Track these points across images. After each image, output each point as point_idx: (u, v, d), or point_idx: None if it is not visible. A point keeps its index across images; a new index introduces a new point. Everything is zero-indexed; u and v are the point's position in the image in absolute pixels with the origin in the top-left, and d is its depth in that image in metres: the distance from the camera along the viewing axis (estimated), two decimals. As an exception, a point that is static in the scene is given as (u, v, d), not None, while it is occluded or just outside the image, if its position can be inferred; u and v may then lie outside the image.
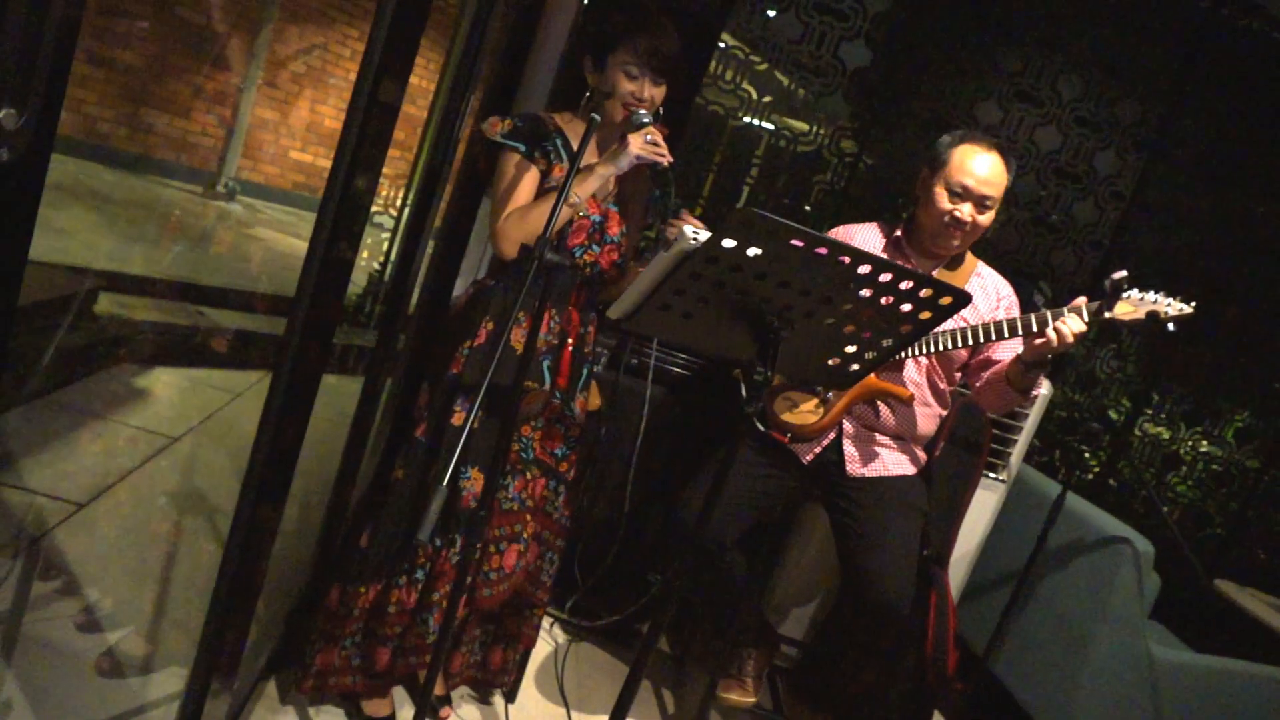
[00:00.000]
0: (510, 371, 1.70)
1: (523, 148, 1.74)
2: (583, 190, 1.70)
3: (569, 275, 1.80)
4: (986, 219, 1.98)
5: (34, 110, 0.42)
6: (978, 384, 2.06)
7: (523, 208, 1.72)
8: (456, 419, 1.75)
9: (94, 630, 1.90)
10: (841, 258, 1.23)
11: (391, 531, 1.77)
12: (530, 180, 1.74)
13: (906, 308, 1.31)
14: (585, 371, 1.90)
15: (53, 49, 0.42)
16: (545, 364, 1.80)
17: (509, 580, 1.85)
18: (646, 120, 1.68)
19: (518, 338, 1.76)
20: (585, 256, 1.79)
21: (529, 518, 1.87)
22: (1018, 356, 1.90)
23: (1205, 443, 3.42)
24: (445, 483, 1.18)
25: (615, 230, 1.82)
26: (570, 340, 1.84)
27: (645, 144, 1.66)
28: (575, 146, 1.78)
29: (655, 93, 1.74)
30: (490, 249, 2.11)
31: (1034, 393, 1.96)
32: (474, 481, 1.76)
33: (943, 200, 1.97)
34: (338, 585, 1.81)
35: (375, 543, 1.78)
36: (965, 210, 1.95)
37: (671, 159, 1.68)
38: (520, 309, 1.69)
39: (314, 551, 2.09)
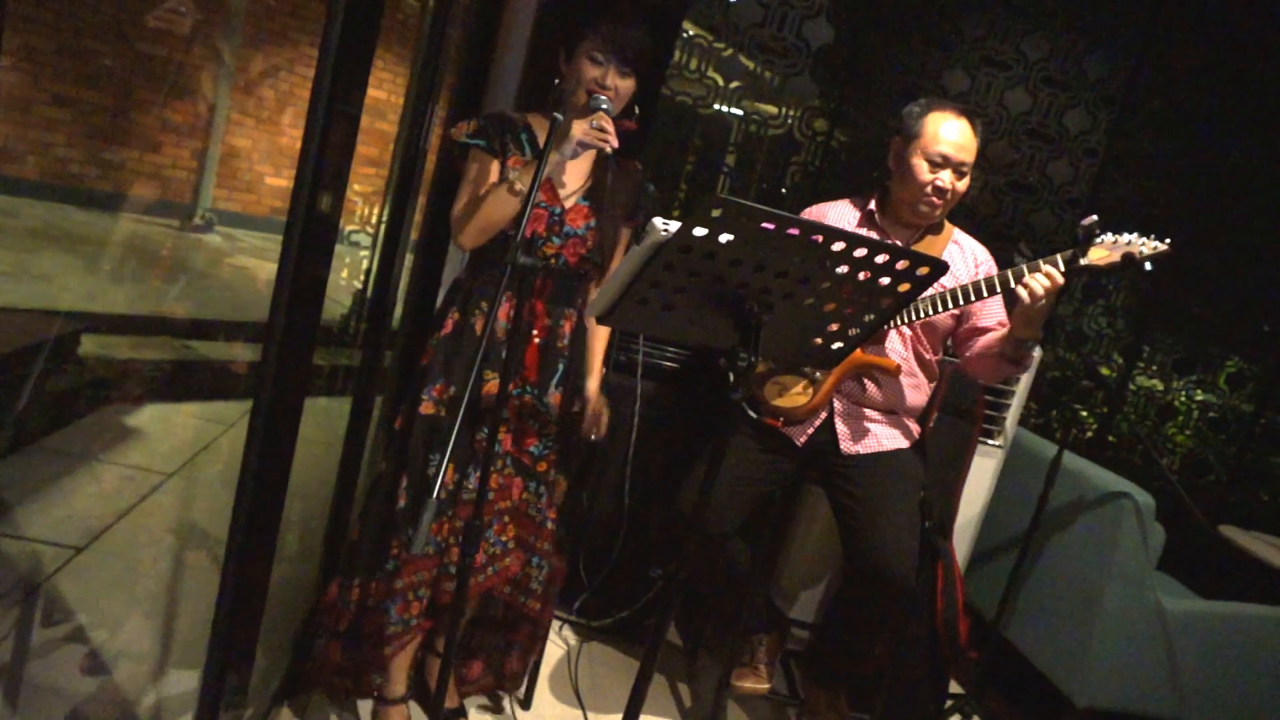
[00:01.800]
0: (470, 359, 1.75)
1: (484, 143, 1.76)
2: (524, 178, 1.69)
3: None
4: (964, 185, 2.01)
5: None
6: (967, 353, 2.05)
7: (470, 201, 1.75)
8: (425, 408, 1.78)
9: (101, 673, 1.89)
10: (814, 237, 1.22)
11: (376, 524, 1.81)
12: (490, 174, 1.77)
13: (885, 281, 1.31)
14: (561, 367, 1.85)
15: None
16: (503, 353, 1.78)
17: (475, 575, 1.81)
18: (604, 107, 1.69)
19: (479, 326, 1.77)
20: (545, 248, 1.77)
21: (508, 520, 1.83)
22: (1009, 331, 1.89)
23: (1200, 391, 3.42)
24: (435, 494, 1.16)
25: (580, 223, 1.79)
26: (536, 333, 1.81)
27: (590, 130, 1.66)
28: (541, 143, 1.78)
29: (621, 84, 1.73)
30: (466, 259, 2.10)
31: (1028, 362, 1.95)
32: (442, 471, 1.74)
33: (923, 171, 1.98)
34: (336, 579, 1.85)
35: (364, 536, 1.82)
36: (945, 178, 1.96)
37: (616, 144, 1.68)
38: (483, 298, 1.78)
39: (317, 573, 2.08)
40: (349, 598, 1.81)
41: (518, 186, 1.68)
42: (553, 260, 1.79)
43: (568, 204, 1.80)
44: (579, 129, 1.67)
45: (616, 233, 1.87)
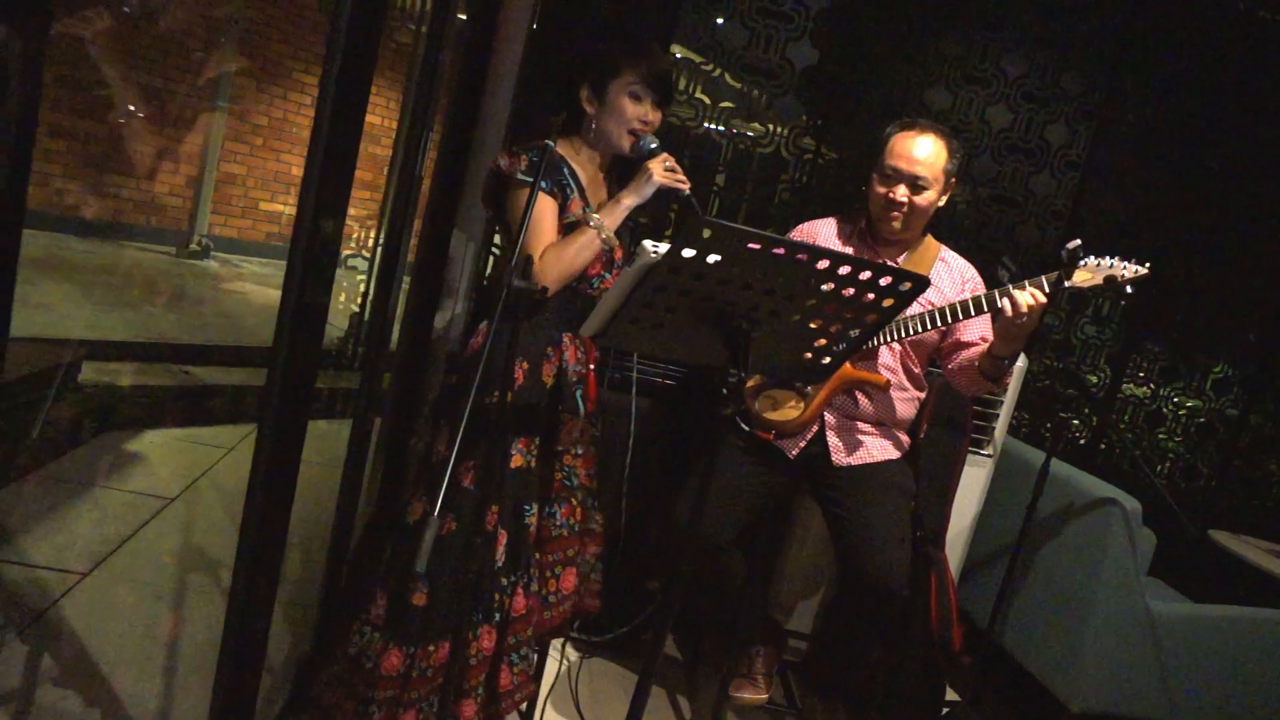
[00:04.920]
0: (546, 406, 1.78)
1: (545, 184, 1.73)
2: (611, 222, 1.74)
3: (585, 304, 1.82)
4: (924, 199, 2.03)
5: None
6: (950, 366, 2.10)
7: (556, 246, 1.73)
8: (515, 462, 1.76)
9: (109, 698, 1.92)
10: (799, 255, 1.26)
11: (454, 585, 1.72)
12: (552, 213, 1.75)
13: (869, 297, 1.35)
14: (601, 391, 1.98)
15: (13, 143, 0.46)
16: (578, 393, 1.84)
17: (569, 600, 1.90)
18: (654, 145, 1.73)
19: (548, 373, 1.80)
20: (601, 285, 1.83)
21: (586, 541, 1.93)
22: (989, 347, 1.94)
23: (1189, 400, 3.47)
24: (436, 513, 1.19)
25: (620, 254, 1.87)
26: (593, 366, 1.90)
27: (665, 171, 1.71)
28: (580, 175, 1.82)
29: (656, 117, 1.79)
30: (464, 282, 2.14)
31: (1005, 380, 1.99)
32: (534, 517, 1.80)
33: (877, 185, 2.05)
34: (398, 649, 1.72)
35: (435, 600, 1.72)
36: (900, 192, 2.02)
37: (690, 184, 1.73)
38: (548, 344, 1.79)
39: (319, 594, 2.11)
40: (426, 664, 1.72)
41: (605, 235, 1.73)
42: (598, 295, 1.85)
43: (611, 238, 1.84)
44: (658, 173, 1.71)
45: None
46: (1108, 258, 1.85)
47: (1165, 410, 3.46)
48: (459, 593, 1.71)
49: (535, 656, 1.86)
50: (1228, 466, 3.47)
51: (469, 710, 1.77)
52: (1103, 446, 3.50)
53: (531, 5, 2.42)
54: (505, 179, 1.76)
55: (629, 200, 1.74)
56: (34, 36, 0.47)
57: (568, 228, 1.77)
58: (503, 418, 1.71)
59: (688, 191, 1.73)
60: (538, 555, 1.84)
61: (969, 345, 2.07)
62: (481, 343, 1.80)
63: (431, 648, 1.73)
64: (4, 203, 0.44)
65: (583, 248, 1.72)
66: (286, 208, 7.44)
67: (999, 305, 1.85)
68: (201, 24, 6.49)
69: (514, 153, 1.75)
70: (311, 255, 1.32)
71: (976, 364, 1.97)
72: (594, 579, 2.01)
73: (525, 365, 1.78)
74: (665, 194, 1.75)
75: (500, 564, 1.75)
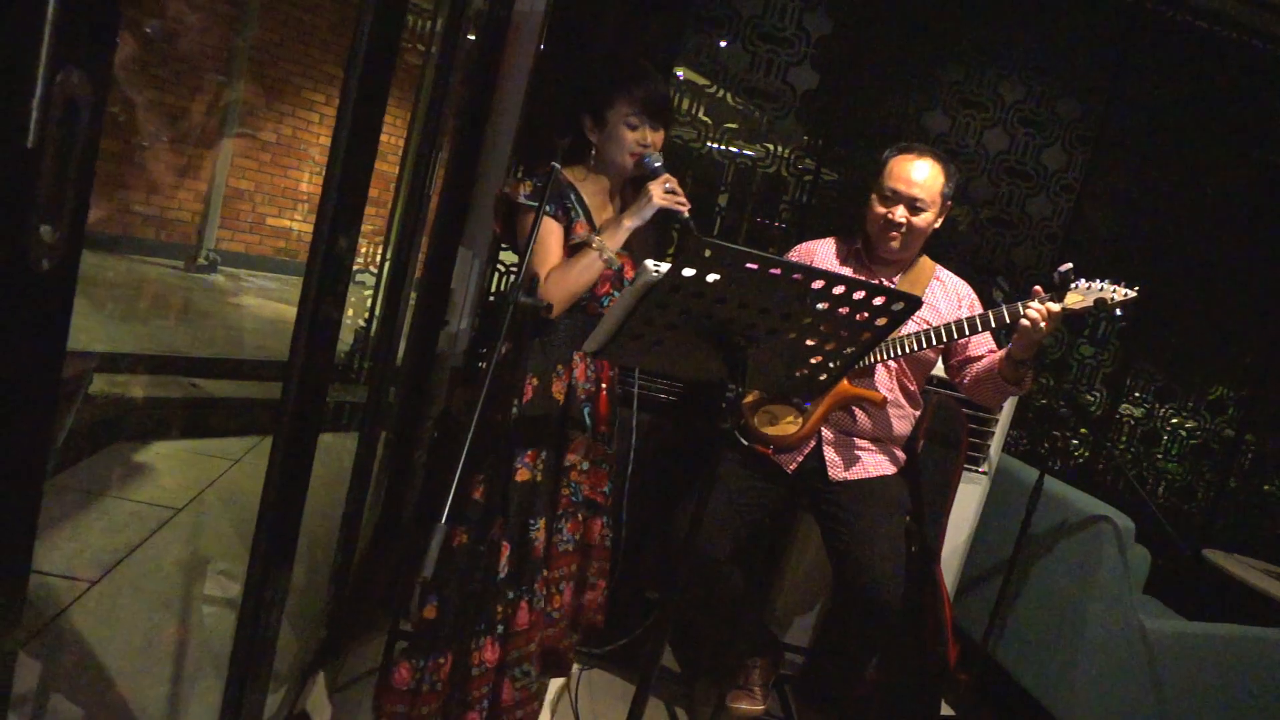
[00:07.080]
0: (555, 422, 1.82)
1: (549, 208, 1.80)
2: (613, 243, 1.78)
3: (595, 322, 1.86)
4: (922, 220, 2.08)
5: (66, 224, 0.50)
6: (966, 381, 2.14)
7: (560, 268, 1.79)
8: (521, 475, 1.80)
9: (117, 706, 1.95)
10: (795, 275, 1.31)
11: (461, 596, 1.77)
12: (557, 236, 1.81)
13: (863, 316, 1.40)
14: (616, 410, 2.00)
15: (78, 171, 0.51)
16: (586, 410, 1.88)
17: (567, 617, 1.93)
18: (658, 164, 1.79)
19: (559, 390, 1.84)
20: (611, 304, 1.85)
21: (591, 555, 1.96)
22: (1009, 354, 1.98)
23: (1190, 421, 3.50)
24: (445, 519, 1.23)
25: (631, 273, 1.91)
26: (604, 385, 1.93)
27: (665, 194, 1.77)
28: (588, 202, 1.88)
29: (656, 138, 1.84)
30: (469, 298, 2.19)
31: (1027, 383, 2.02)
32: (541, 532, 1.82)
33: (876, 206, 2.11)
34: (406, 663, 1.79)
35: (444, 612, 1.78)
36: (898, 213, 2.07)
37: (690, 205, 1.78)
38: (558, 361, 1.83)
39: (325, 604, 2.15)
40: (436, 677, 1.77)
41: (606, 256, 1.77)
42: None
43: (620, 256, 1.89)
44: (657, 195, 1.76)
45: None
46: (1098, 281, 1.89)
47: (1162, 430, 3.50)
48: (464, 603, 1.76)
49: (535, 673, 1.86)
50: (1224, 487, 3.51)
51: None
52: (1100, 466, 3.53)
53: (539, 28, 2.48)
54: (513, 204, 1.83)
55: (629, 222, 1.79)
56: (101, 78, 0.52)
57: (573, 249, 1.82)
58: (510, 431, 1.77)
59: (687, 214, 1.78)
60: (545, 571, 1.85)
61: (979, 358, 2.12)
62: (500, 358, 1.90)
63: (441, 660, 1.77)
64: (70, 226, 0.48)
65: (585, 269, 1.77)
66: (294, 223, 7.51)
67: (994, 328, 1.91)
68: (214, 43, 6.58)
69: (520, 178, 1.82)
70: (327, 271, 1.37)
71: (999, 371, 2.01)
72: (595, 594, 2.01)
73: (535, 381, 1.83)
74: (666, 215, 1.80)
75: (503, 575, 1.79)
